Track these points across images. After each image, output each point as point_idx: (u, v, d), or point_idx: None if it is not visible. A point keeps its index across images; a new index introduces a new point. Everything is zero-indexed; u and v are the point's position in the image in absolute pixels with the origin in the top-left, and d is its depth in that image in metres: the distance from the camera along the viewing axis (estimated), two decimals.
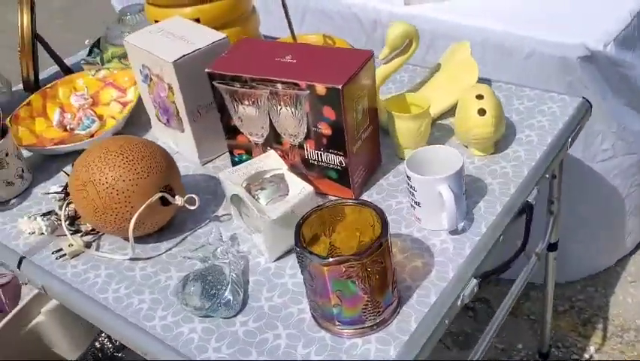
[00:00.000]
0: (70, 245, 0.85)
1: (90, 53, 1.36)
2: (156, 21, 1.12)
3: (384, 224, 0.66)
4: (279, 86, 0.82)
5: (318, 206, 0.70)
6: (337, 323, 0.69)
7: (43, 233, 0.90)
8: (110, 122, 1.13)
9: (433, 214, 0.79)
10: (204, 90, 0.93)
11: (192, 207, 0.83)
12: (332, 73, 0.80)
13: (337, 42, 1.19)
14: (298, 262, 0.68)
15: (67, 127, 1.12)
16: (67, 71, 1.30)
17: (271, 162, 0.85)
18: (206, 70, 0.86)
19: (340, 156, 0.84)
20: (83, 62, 1.27)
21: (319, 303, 0.69)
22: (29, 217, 0.91)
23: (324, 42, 1.19)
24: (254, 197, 0.80)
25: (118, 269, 0.83)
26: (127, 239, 0.84)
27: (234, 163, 0.95)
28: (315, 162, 0.87)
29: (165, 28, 0.97)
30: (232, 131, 0.91)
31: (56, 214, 0.91)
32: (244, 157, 0.93)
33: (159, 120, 1.03)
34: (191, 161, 1.00)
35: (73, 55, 1.42)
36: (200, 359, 0.70)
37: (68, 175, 0.94)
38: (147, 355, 0.74)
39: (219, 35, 0.94)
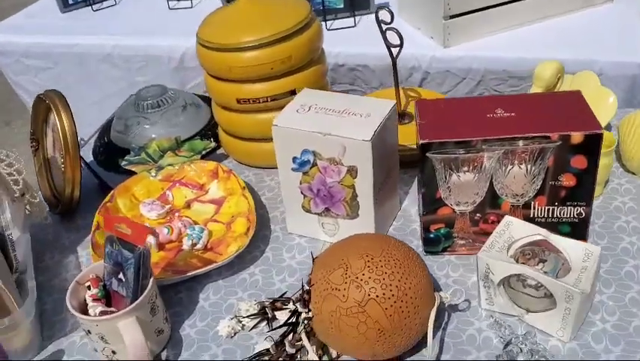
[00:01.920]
0: None
1: (101, 150, 1.13)
2: (239, 101, 0.97)
3: None
4: (520, 143, 0.73)
5: None
6: None
7: None
8: (217, 228, 0.92)
9: None
10: (384, 167, 0.82)
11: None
12: (574, 119, 0.74)
13: (424, 93, 1.12)
14: None
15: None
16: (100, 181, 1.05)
17: (518, 228, 0.75)
18: (421, 141, 0.74)
19: (581, 206, 0.77)
20: (124, 163, 1.03)
21: None
22: None
23: (406, 95, 1.11)
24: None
25: None
26: None
27: (429, 241, 0.83)
28: (543, 220, 0.79)
29: (311, 104, 0.83)
30: (433, 205, 0.79)
31: None
32: (442, 231, 0.82)
33: (305, 210, 0.86)
34: None
35: None
36: None
37: (298, 302, 0.73)
38: None
39: (387, 102, 0.82)
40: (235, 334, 0.76)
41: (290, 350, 0.68)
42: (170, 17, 1.69)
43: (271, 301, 0.77)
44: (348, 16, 1.46)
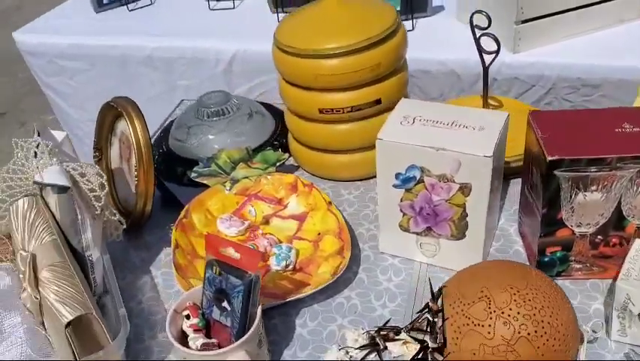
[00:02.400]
0: None
1: (159, 160, 1.06)
2: (321, 111, 0.91)
3: None
4: None
5: None
6: None
7: None
8: (303, 246, 0.86)
9: None
10: (495, 184, 0.76)
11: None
12: None
13: (505, 102, 1.06)
14: None
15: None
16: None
17: None
18: (550, 158, 0.68)
19: None
20: (194, 175, 0.97)
21: None
22: None
23: (487, 105, 1.05)
24: None
25: None
26: None
27: (543, 265, 0.77)
28: None
29: (414, 116, 0.77)
30: (552, 226, 0.74)
31: None
32: (558, 254, 0.76)
33: (403, 229, 0.80)
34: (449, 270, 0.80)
35: None
36: None
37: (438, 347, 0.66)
38: None
39: (500, 114, 0.76)
40: None
41: None
42: (211, 18, 1.62)
43: (377, 329, 0.71)
44: (404, 19, 1.40)
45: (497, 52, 0.89)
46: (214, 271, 0.67)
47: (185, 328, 0.67)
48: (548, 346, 0.57)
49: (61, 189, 0.73)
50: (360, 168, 0.98)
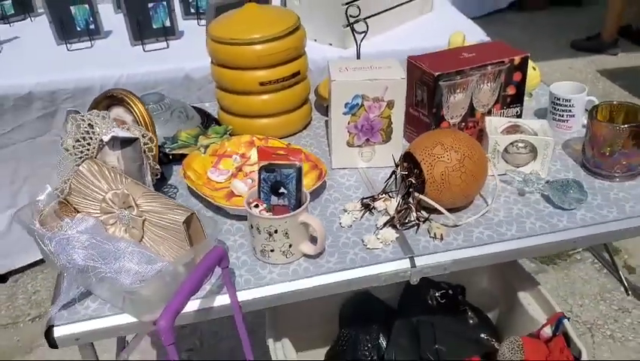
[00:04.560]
0: (438, 227, 1.01)
1: None
2: (262, 83, 1.26)
3: None
4: (489, 67, 1.18)
5: None
6: None
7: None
8: None
9: None
10: None
11: None
12: (508, 52, 1.21)
13: None
14: None
15: None
16: None
17: (496, 121, 1.19)
18: (436, 73, 1.14)
19: (517, 106, 1.25)
20: (169, 150, 1.22)
21: None
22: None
23: None
24: None
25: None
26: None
27: None
28: None
29: (345, 66, 1.17)
30: (439, 121, 1.20)
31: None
32: None
33: (349, 145, 1.19)
34: (385, 166, 1.21)
35: None
36: None
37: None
38: None
39: (392, 59, 1.20)
40: (352, 224, 1.05)
41: (416, 212, 1.01)
42: (72, 57, 1.80)
43: (364, 198, 1.09)
44: None
45: (366, 32, 1.34)
46: (268, 172, 0.97)
47: (256, 214, 0.96)
48: (480, 160, 1.01)
49: (130, 141, 0.95)
50: (283, 128, 1.33)
